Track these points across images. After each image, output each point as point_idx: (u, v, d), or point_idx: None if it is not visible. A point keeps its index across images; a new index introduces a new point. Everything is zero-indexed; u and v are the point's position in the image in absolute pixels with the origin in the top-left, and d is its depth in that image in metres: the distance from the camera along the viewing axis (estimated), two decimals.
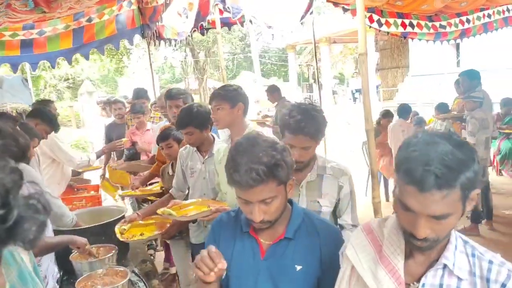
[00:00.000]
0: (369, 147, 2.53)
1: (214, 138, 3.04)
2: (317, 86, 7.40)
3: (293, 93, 23.54)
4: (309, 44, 20.29)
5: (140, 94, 5.88)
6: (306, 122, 1.96)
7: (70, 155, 3.92)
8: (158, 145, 3.52)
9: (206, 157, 2.96)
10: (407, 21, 6.61)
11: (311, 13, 3.04)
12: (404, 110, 6.36)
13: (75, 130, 16.58)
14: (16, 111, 19.35)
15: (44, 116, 3.43)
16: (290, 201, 1.61)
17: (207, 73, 26.55)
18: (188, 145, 3.12)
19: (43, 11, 3.15)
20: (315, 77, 29.07)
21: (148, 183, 4.14)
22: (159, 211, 2.51)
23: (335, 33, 18.39)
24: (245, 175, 1.37)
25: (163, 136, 3.39)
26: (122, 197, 4.85)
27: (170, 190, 3.23)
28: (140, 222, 2.82)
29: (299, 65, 27.44)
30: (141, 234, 2.69)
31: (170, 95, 3.73)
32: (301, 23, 3.27)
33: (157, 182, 4.09)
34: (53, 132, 3.57)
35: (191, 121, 2.86)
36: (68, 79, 27.17)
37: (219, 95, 2.56)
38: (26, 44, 5.03)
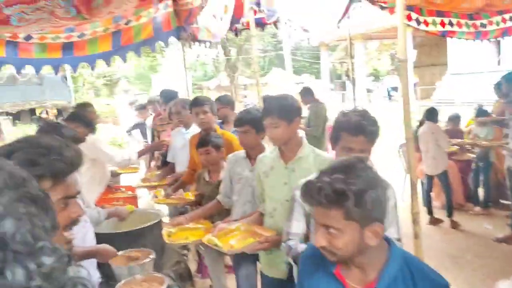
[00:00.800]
0: (408, 156, 2.47)
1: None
2: (351, 84, 7.30)
3: (325, 91, 23.35)
4: (343, 40, 20.02)
5: (171, 96, 5.89)
6: (367, 122, 1.94)
7: (110, 154, 4.03)
8: (197, 150, 3.49)
9: (255, 164, 2.86)
10: (446, 20, 6.41)
11: (349, 17, 2.99)
12: (432, 113, 6.20)
13: (112, 127, 16.99)
14: (56, 107, 20.10)
15: (81, 119, 3.56)
16: (388, 240, 1.43)
17: (238, 70, 26.64)
18: (236, 152, 3.10)
19: (84, 18, 3.23)
20: (348, 74, 28.73)
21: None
22: (204, 240, 2.48)
23: (370, 30, 18.04)
24: (313, 188, 1.32)
25: (203, 142, 3.38)
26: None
27: (218, 197, 3.20)
28: (188, 226, 2.84)
29: (332, 62, 27.12)
30: (185, 238, 2.71)
31: (197, 102, 3.75)
32: (338, 27, 3.22)
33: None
34: (92, 134, 3.69)
35: (250, 120, 2.82)
36: (105, 76, 27.91)
37: (275, 111, 2.37)
38: (67, 47, 5.19)
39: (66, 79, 20.46)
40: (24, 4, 2.66)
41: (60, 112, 20.27)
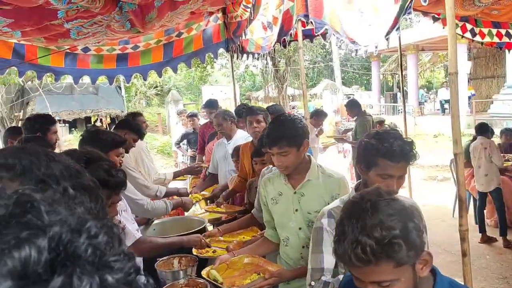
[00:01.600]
0: (457, 172, 2.38)
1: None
2: (402, 96, 7.11)
3: (376, 103, 22.92)
4: (395, 52, 19.63)
5: (212, 105, 6.03)
6: (409, 147, 1.75)
7: (149, 169, 4.20)
8: (252, 159, 3.42)
9: (260, 185, 2.60)
10: (503, 31, 6.18)
11: (397, 28, 2.94)
12: (484, 128, 5.94)
13: (161, 136, 17.48)
14: (110, 116, 20.98)
15: (130, 126, 3.74)
16: (434, 271, 1.31)
17: (287, 81, 26.69)
18: (271, 167, 2.81)
19: (138, 31, 3.38)
20: (399, 86, 28.03)
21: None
22: (204, 273, 2.22)
23: (423, 41, 17.61)
24: (349, 249, 1.12)
25: (259, 152, 3.22)
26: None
27: (252, 211, 3.05)
28: (220, 238, 2.77)
29: (383, 73, 26.62)
30: (213, 252, 2.67)
31: (251, 111, 3.72)
32: (386, 39, 3.16)
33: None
34: (140, 140, 3.88)
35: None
36: (156, 86, 28.82)
37: (283, 139, 2.15)
38: (122, 58, 5.44)
39: (120, 89, 21.35)
40: (82, 19, 2.82)
41: (113, 120, 21.15)
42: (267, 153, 3.00)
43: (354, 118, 6.85)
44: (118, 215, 2.09)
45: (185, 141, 7.73)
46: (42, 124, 3.46)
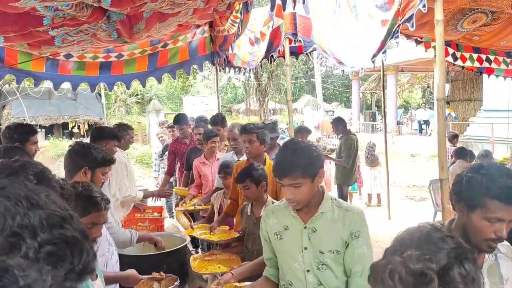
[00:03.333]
0: (442, 197, 2.39)
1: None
2: (383, 115, 7.22)
3: (355, 120, 23.21)
4: (375, 72, 19.97)
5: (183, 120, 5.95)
6: None
7: (121, 185, 4.06)
8: (237, 184, 3.19)
9: (262, 219, 2.27)
10: (483, 56, 6.34)
11: (384, 52, 2.97)
12: (463, 152, 6.10)
13: (140, 146, 17.25)
14: (88, 123, 20.64)
15: (107, 134, 3.68)
16: None
17: (268, 95, 26.85)
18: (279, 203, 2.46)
19: (125, 41, 3.32)
20: (378, 105, 28.47)
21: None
22: None
23: (403, 62, 17.99)
24: (383, 272, 1.05)
25: (240, 177, 3.05)
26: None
27: (264, 273, 2.48)
28: (236, 284, 2.48)
29: (363, 92, 27.02)
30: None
31: (244, 129, 3.52)
32: (373, 61, 3.19)
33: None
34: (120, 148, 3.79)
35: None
36: (137, 95, 28.56)
37: (296, 168, 1.88)
38: (105, 66, 5.35)
39: (99, 96, 21.07)
40: (68, 26, 2.75)
41: (91, 127, 20.84)
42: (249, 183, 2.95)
43: (339, 136, 6.90)
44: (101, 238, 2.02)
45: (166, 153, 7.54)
46: (22, 133, 3.34)
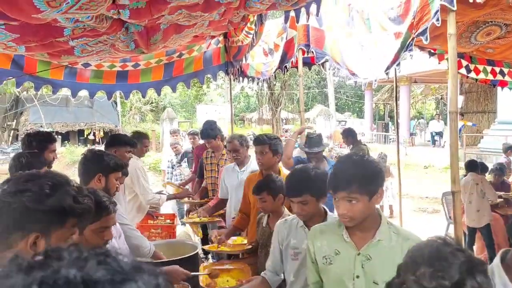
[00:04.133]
0: (454, 210, 2.40)
1: (326, 212, 2.33)
2: (396, 126, 7.20)
3: (368, 131, 23.12)
4: (388, 82, 19.92)
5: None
6: None
7: (145, 190, 4.13)
8: (254, 195, 3.03)
9: (309, 239, 2.13)
10: (497, 69, 6.32)
11: (398, 64, 3.00)
12: (473, 165, 6.03)
13: (153, 153, 17.40)
14: (104, 130, 20.92)
15: (118, 141, 3.70)
16: None
17: (281, 104, 26.89)
18: (289, 218, 2.51)
19: (142, 51, 3.40)
20: (391, 115, 28.31)
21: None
22: None
23: (416, 73, 17.93)
24: None
25: (257, 189, 2.94)
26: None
27: (262, 274, 2.55)
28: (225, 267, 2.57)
29: (376, 102, 26.94)
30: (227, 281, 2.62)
31: (257, 140, 3.45)
32: (386, 73, 3.22)
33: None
34: (137, 157, 3.84)
35: (307, 188, 2.18)
36: (152, 103, 28.86)
37: (353, 182, 1.73)
38: (121, 75, 5.45)
39: (115, 103, 21.36)
40: (88, 37, 2.83)
41: (107, 134, 21.09)
42: (268, 195, 2.82)
43: (350, 147, 6.90)
44: (113, 239, 2.07)
45: (185, 160, 7.49)
46: (41, 141, 3.40)
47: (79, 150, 16.67)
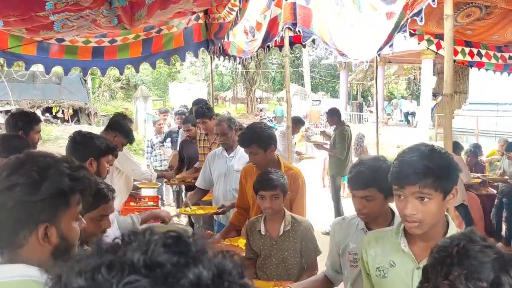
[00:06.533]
0: None
1: (394, 214, 2.00)
2: (375, 107, 7.25)
3: (343, 111, 23.33)
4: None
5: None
6: None
7: (136, 166, 4.05)
8: (256, 193, 2.58)
9: (363, 245, 1.80)
10: (475, 50, 6.41)
11: (391, 45, 2.97)
12: (456, 146, 6.14)
13: None
14: (73, 108, 20.31)
15: (122, 129, 3.58)
16: None
17: (256, 83, 26.77)
18: (347, 216, 2.23)
19: (124, 27, 3.25)
20: (364, 95, 28.63)
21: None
22: None
23: (390, 53, 18.08)
24: None
25: (270, 184, 2.51)
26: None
27: (324, 271, 2.30)
28: None
29: (350, 82, 27.15)
30: None
31: (241, 142, 3.11)
32: (378, 54, 3.19)
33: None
34: (129, 145, 3.76)
35: (375, 181, 1.88)
36: (122, 80, 28.17)
37: (428, 174, 1.45)
38: (98, 51, 5.24)
39: (85, 80, 20.70)
40: (70, 11, 2.68)
41: (76, 112, 20.50)
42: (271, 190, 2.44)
43: (334, 128, 6.91)
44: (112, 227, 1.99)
45: (169, 140, 7.22)
46: (26, 122, 3.31)
47: (49, 128, 16.16)
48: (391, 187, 1.54)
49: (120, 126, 3.60)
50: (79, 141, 2.45)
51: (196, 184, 4.03)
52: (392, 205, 1.80)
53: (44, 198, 1.10)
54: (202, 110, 4.63)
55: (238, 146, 3.60)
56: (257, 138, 2.92)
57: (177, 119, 7.05)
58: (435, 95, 18.60)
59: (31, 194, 1.08)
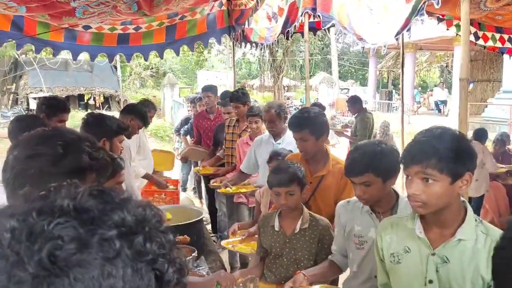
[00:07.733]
0: None
1: (398, 196, 2.01)
2: (401, 95, 7.13)
3: (371, 99, 22.98)
4: (394, 49, 19.62)
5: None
6: None
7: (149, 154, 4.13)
8: (271, 188, 2.36)
9: (378, 232, 1.78)
10: (506, 36, 6.21)
11: (408, 29, 2.92)
12: (481, 134, 5.96)
13: (155, 119, 17.32)
14: (104, 95, 20.76)
15: (137, 112, 3.68)
16: None
17: (283, 71, 26.59)
18: (352, 199, 2.14)
19: (144, 13, 3.32)
20: (395, 83, 28.07)
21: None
22: None
23: (422, 40, 17.62)
24: None
25: (288, 179, 2.27)
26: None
27: (330, 257, 2.25)
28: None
29: (380, 70, 26.63)
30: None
31: (291, 126, 2.79)
32: (396, 39, 3.14)
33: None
34: (145, 128, 3.88)
35: (370, 166, 1.87)
36: (152, 68, 28.55)
37: (435, 156, 1.43)
38: (123, 38, 5.36)
39: (115, 68, 21.11)
40: None
41: (106, 99, 20.95)
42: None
43: (355, 115, 6.84)
44: None
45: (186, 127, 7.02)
46: (51, 107, 3.23)
47: (80, 115, 16.59)
48: (389, 170, 1.55)
49: (136, 110, 3.72)
50: (91, 122, 2.54)
51: (241, 167, 3.97)
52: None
53: (63, 171, 1.16)
54: (237, 94, 4.54)
55: (286, 135, 3.56)
56: (311, 124, 2.62)
57: (192, 108, 6.98)
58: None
59: (52, 166, 1.15)
